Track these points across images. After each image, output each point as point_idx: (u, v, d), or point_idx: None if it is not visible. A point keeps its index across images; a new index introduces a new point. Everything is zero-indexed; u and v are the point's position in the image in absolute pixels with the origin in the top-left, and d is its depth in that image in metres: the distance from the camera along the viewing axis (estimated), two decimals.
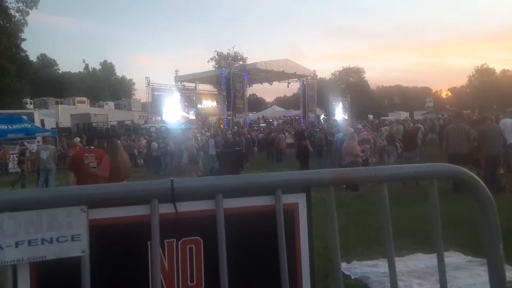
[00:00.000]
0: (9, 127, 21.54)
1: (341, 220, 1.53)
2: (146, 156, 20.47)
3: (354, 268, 4.69)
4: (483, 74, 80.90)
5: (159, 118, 40.32)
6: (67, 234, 1.31)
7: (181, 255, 1.48)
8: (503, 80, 75.91)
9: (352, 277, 4.48)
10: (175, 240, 1.47)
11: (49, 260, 1.30)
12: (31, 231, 1.29)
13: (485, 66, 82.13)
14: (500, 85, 72.53)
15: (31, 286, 1.32)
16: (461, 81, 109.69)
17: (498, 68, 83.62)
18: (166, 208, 1.43)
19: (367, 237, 5.83)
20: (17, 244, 1.27)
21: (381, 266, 4.52)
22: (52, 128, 30.81)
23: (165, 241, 1.45)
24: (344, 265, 4.65)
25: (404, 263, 4.66)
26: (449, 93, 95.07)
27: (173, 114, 39.51)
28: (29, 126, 22.89)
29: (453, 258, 4.78)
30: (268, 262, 1.54)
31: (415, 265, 4.63)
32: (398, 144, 13.16)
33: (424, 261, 4.74)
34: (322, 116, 50.70)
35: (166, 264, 1.46)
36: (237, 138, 19.83)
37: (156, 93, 41.01)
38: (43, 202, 1.32)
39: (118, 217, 1.40)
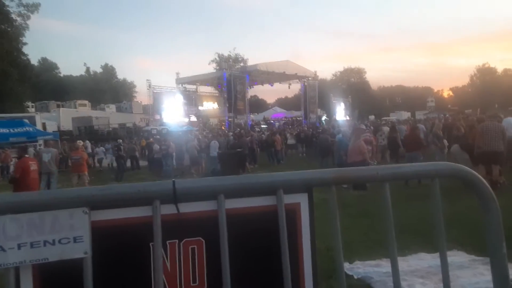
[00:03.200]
0: (11, 130, 21.57)
1: (343, 221, 1.53)
2: (147, 158, 20.51)
3: (357, 268, 4.68)
4: (485, 74, 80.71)
5: (158, 117, 40.36)
6: (69, 236, 1.32)
7: (183, 256, 1.48)
8: (505, 80, 75.72)
9: (355, 277, 4.47)
10: (177, 241, 1.47)
11: (52, 262, 1.31)
12: (34, 233, 1.29)
13: (486, 66, 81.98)
14: (502, 85, 72.38)
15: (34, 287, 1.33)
16: (462, 81, 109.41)
17: (500, 67, 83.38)
18: (168, 209, 1.43)
19: (369, 237, 5.81)
20: (19, 246, 1.28)
21: (384, 266, 4.50)
22: (53, 131, 30.91)
23: (167, 242, 1.45)
24: (346, 265, 4.64)
25: (407, 263, 4.65)
26: (451, 93, 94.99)
27: (175, 116, 39.56)
28: (31, 129, 22.92)
29: (456, 257, 4.77)
30: (270, 262, 1.54)
31: (418, 265, 4.62)
32: (441, 143, 12.96)
33: (427, 260, 4.73)
34: (324, 117, 50.51)
35: (168, 265, 1.46)
36: (249, 137, 20.46)
37: (157, 95, 41.06)
38: (45, 204, 1.33)
39: (120, 218, 1.41)
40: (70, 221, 1.32)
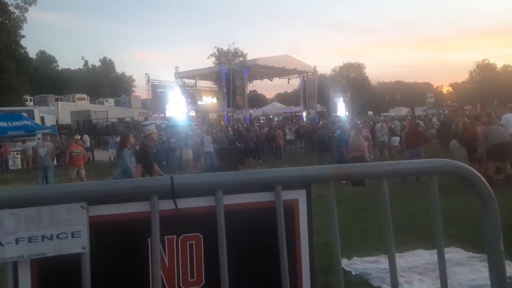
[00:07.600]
0: (9, 124, 21.50)
1: (342, 217, 1.53)
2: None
3: (355, 264, 4.69)
4: (484, 70, 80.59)
5: (162, 115, 40.24)
6: (67, 231, 1.32)
7: (181, 252, 1.48)
8: (504, 76, 75.70)
9: (353, 273, 4.48)
10: (175, 236, 1.47)
11: (50, 257, 1.30)
12: (32, 228, 1.29)
13: (486, 62, 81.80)
14: (501, 81, 72.35)
15: (31, 282, 1.33)
16: (462, 77, 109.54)
17: (499, 63, 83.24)
18: (166, 205, 1.43)
19: (367, 233, 5.82)
20: (17, 241, 1.28)
21: (382, 262, 4.51)
22: (52, 125, 30.81)
23: (166, 237, 1.45)
24: (344, 261, 4.64)
25: (404, 259, 4.66)
26: (450, 89, 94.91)
27: (174, 110, 39.44)
28: (29, 123, 22.84)
29: (453, 254, 4.78)
30: (268, 258, 1.54)
31: (416, 261, 4.63)
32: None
33: (425, 257, 4.73)
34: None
35: (166, 261, 1.46)
36: (257, 131, 21.41)
37: (156, 89, 40.90)
38: (43, 199, 1.32)
39: (118, 213, 1.40)
40: (68, 216, 1.32)
